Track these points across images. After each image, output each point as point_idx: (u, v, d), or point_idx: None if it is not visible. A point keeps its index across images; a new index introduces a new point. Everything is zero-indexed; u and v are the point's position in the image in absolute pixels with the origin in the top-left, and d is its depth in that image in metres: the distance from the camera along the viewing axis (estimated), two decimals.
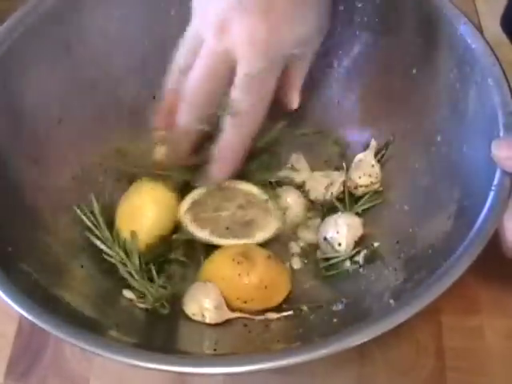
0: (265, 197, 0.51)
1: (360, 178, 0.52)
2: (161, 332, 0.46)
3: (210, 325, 0.47)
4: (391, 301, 0.40)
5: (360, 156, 0.54)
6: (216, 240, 0.50)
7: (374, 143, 0.54)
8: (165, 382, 0.48)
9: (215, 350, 0.44)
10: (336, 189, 0.53)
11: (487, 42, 0.47)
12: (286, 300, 0.49)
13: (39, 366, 0.49)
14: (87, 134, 0.53)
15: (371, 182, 0.52)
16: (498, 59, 0.46)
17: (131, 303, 0.48)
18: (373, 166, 0.53)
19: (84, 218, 0.50)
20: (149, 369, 0.38)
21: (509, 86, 0.45)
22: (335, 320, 0.44)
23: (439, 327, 0.49)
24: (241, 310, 0.47)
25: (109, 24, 0.54)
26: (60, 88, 0.52)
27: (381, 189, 0.53)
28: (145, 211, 0.50)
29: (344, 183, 0.53)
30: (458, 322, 0.49)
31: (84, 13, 0.53)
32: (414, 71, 0.51)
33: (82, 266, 0.48)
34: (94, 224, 0.50)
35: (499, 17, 0.61)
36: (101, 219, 0.50)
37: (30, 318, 0.39)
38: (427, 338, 0.48)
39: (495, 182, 0.42)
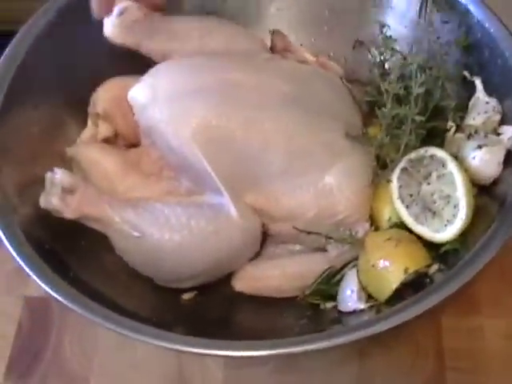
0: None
1: (474, 119, 0.50)
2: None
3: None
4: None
5: (472, 100, 0.52)
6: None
7: (478, 81, 0.52)
8: (164, 381, 0.48)
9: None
10: None
11: None
12: None
13: (39, 366, 0.49)
14: None
15: (488, 118, 0.50)
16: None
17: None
18: (487, 102, 0.51)
19: None
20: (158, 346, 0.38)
21: None
22: None
23: (439, 328, 0.49)
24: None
25: None
26: None
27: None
28: None
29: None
30: (458, 322, 0.49)
31: None
32: None
33: None
34: None
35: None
36: None
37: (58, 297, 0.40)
38: (427, 338, 0.48)
39: None
